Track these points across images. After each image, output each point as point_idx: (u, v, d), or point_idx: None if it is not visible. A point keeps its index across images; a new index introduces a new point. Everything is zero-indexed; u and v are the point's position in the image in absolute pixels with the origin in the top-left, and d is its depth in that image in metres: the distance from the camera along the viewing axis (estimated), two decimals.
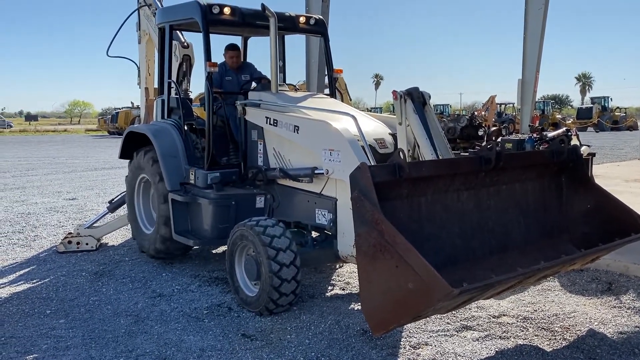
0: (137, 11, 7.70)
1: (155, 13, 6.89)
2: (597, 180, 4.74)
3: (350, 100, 23.74)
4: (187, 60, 6.89)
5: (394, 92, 4.55)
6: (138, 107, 9.59)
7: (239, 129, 5.60)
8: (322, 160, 4.57)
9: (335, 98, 6.29)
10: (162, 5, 7.14)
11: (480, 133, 18.62)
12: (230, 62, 6.22)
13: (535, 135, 9.67)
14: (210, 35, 5.53)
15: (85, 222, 7.27)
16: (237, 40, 6.93)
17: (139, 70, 8.11)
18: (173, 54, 6.48)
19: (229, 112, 5.77)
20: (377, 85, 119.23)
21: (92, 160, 19.41)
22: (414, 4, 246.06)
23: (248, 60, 6.91)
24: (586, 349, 3.89)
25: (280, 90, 5.66)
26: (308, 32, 6.55)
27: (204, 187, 5.42)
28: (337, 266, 5.90)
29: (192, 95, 7.17)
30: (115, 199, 7.18)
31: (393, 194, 3.45)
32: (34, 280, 5.63)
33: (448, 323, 4.35)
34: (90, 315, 4.66)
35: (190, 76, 7.02)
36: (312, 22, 6.16)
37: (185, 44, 6.91)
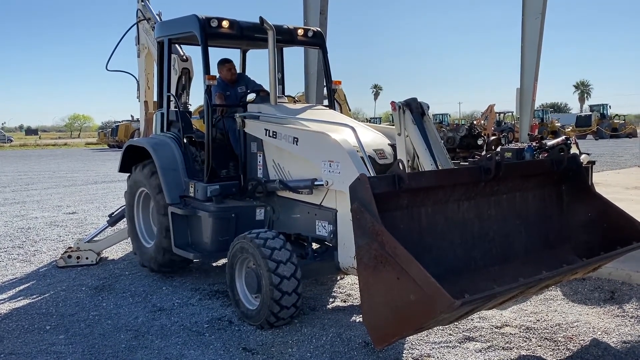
0: (136, 25, 7.74)
1: (154, 27, 6.92)
2: (598, 188, 4.73)
3: (350, 111, 23.79)
4: (186, 74, 6.91)
5: (393, 103, 4.56)
6: (138, 121, 9.62)
7: (238, 142, 5.60)
8: (321, 171, 4.57)
9: (334, 109, 6.31)
10: (161, 19, 7.19)
11: (480, 142, 18.64)
12: (229, 75, 6.23)
13: (534, 144, 9.68)
14: (209, 48, 5.56)
15: (85, 236, 7.26)
16: (236, 53, 6.97)
17: (138, 84, 8.14)
18: (172, 67, 6.50)
19: (228, 124, 5.78)
20: (376, 95, 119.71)
21: (92, 174, 19.41)
22: (411, 14, 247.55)
23: (247, 73, 6.94)
24: (590, 359, 3.86)
25: (279, 102, 5.67)
26: (306, 44, 6.58)
27: (203, 200, 5.41)
28: (338, 278, 5.88)
29: (192, 108, 7.19)
30: (115, 213, 7.17)
31: (393, 205, 3.44)
32: (34, 296, 5.60)
33: (450, 334, 4.32)
34: (90, 331, 4.63)
35: (189, 89, 7.04)
36: (310, 34, 6.19)
37: (184, 57, 6.93)
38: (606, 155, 22.89)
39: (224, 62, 6.23)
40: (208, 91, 5.46)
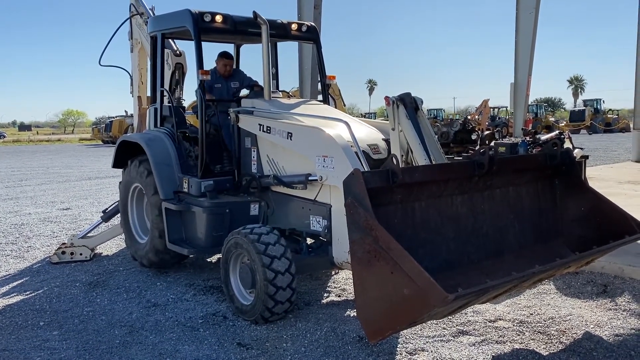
0: (129, 20, 7.69)
1: (147, 21, 6.88)
2: (591, 183, 4.76)
3: (344, 106, 23.76)
4: (180, 69, 6.88)
5: (387, 98, 4.56)
6: (132, 116, 9.58)
7: (232, 137, 5.59)
8: (315, 166, 4.57)
9: (329, 104, 6.29)
10: (154, 14, 7.14)
11: (474, 137, 18.66)
12: (224, 69, 6.21)
13: (528, 138, 9.72)
14: (203, 43, 5.53)
15: (79, 232, 7.24)
16: (230, 47, 6.94)
17: (131, 79, 8.09)
18: (165, 62, 6.47)
19: (222, 119, 5.77)
20: (371, 90, 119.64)
21: (86, 170, 19.33)
22: (406, 9, 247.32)
23: (241, 67, 6.92)
24: (582, 352, 3.89)
25: (273, 97, 5.66)
26: (300, 39, 6.56)
27: (197, 196, 5.40)
28: (333, 273, 5.89)
29: (185, 104, 7.16)
30: (109, 209, 7.15)
31: (387, 200, 3.45)
32: (28, 292, 5.58)
33: (444, 328, 4.34)
34: (84, 327, 4.63)
35: (182, 84, 7.01)
36: (304, 29, 6.18)
37: (178, 52, 6.90)
38: (600, 149, 22.97)
39: (223, 56, 6.20)
40: (201, 86, 5.44)
